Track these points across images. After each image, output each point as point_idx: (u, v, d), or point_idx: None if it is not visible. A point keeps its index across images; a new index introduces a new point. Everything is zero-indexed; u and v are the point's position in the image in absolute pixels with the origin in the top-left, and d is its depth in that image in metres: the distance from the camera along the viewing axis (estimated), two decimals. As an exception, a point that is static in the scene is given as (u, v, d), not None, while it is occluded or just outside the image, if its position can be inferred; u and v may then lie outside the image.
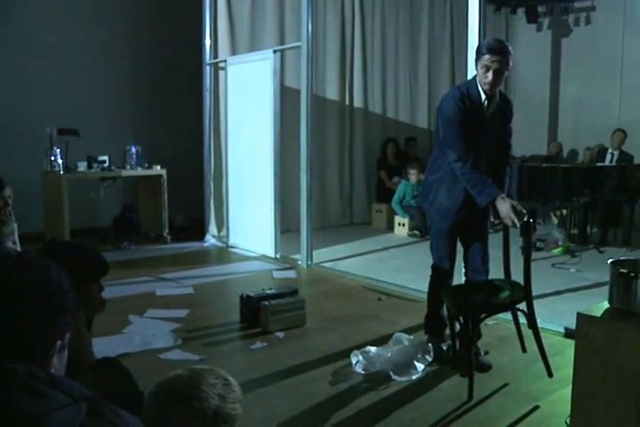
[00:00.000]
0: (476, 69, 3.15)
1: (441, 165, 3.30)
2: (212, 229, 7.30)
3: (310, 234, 5.91)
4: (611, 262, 2.17)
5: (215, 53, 7.09)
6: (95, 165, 6.67)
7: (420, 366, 3.22)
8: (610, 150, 7.56)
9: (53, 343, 1.09)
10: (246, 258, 6.33)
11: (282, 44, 7.15)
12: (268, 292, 4.17)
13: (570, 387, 2.21)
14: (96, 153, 6.71)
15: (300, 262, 5.93)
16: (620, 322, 2.06)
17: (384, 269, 5.59)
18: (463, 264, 3.47)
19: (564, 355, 3.38)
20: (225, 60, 6.91)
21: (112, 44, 7.56)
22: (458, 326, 3.24)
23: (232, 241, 6.89)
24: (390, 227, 7.89)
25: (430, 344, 3.39)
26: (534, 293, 3.24)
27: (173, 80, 7.83)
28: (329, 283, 5.29)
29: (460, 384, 3.08)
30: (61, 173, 6.31)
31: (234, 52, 7.04)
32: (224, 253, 6.67)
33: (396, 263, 5.94)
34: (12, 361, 1.01)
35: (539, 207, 7.36)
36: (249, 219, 6.60)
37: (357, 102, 8.41)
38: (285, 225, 6.74)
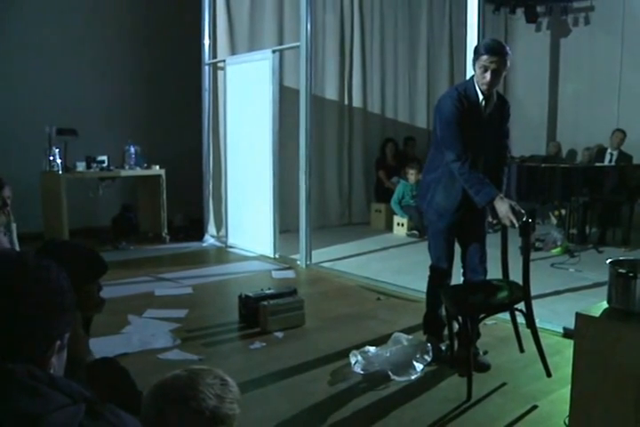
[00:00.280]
0: (474, 70, 3.16)
1: (438, 164, 3.30)
2: (211, 229, 7.30)
3: (309, 234, 5.91)
4: (610, 262, 2.17)
5: (214, 53, 7.09)
6: (94, 164, 6.67)
7: (418, 366, 3.22)
8: (609, 150, 7.57)
9: (52, 343, 1.09)
10: (245, 258, 6.33)
11: (281, 43, 7.15)
12: (267, 292, 4.17)
13: (568, 387, 2.21)
14: (95, 153, 6.71)
15: (298, 262, 5.93)
16: (618, 322, 2.06)
17: (383, 269, 5.60)
18: (461, 264, 3.48)
19: (563, 355, 3.38)
20: (224, 60, 6.91)
21: (111, 43, 7.56)
22: (456, 326, 3.24)
23: (231, 241, 6.89)
24: (389, 227, 7.90)
25: (429, 344, 3.39)
26: (533, 293, 3.24)
27: (172, 80, 7.82)
28: (328, 283, 5.29)
29: (458, 384, 3.09)
30: (60, 172, 6.31)
31: (233, 51, 7.04)
32: (223, 253, 6.67)
33: (395, 263, 5.94)
34: (12, 361, 1.01)
35: (538, 207, 7.36)
36: (248, 219, 6.60)
37: (356, 102, 8.41)
38: (284, 225, 6.73)
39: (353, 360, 3.31)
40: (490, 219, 3.18)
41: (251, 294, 4.10)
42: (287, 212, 6.86)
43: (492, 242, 3.48)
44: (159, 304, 4.56)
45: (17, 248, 4.00)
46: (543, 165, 6.86)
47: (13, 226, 4.05)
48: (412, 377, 3.17)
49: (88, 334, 2.28)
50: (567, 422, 2.24)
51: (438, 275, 3.43)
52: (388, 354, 3.29)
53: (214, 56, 7.09)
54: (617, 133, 7.46)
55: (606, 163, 7.44)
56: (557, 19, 9.24)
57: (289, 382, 3.19)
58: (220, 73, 7.07)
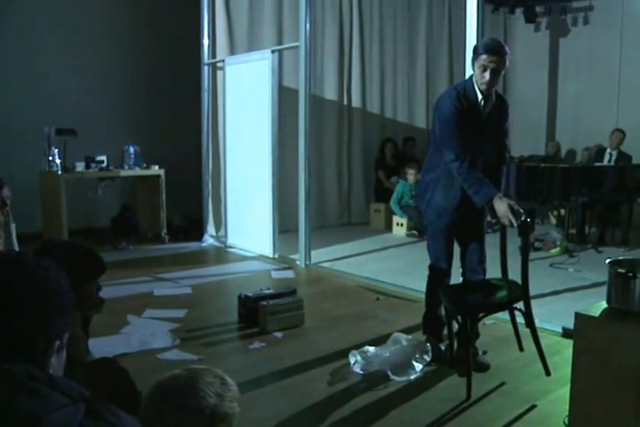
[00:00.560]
0: (473, 69, 3.16)
1: (437, 164, 3.30)
2: (211, 229, 7.30)
3: (308, 234, 5.91)
4: (609, 262, 2.17)
5: (213, 53, 7.09)
6: (93, 165, 6.67)
7: (418, 366, 3.22)
8: (608, 150, 7.57)
9: (52, 344, 1.09)
10: (244, 258, 6.33)
11: (280, 43, 7.15)
12: (267, 292, 4.17)
13: (568, 387, 2.21)
14: (94, 153, 6.71)
15: (298, 262, 5.93)
16: (618, 322, 2.06)
17: (382, 269, 5.60)
18: (460, 264, 3.48)
19: (562, 355, 3.38)
20: (223, 60, 6.91)
21: (110, 43, 7.56)
22: (456, 326, 3.24)
23: (230, 241, 6.89)
24: (388, 227, 7.90)
25: (428, 344, 3.39)
26: (532, 293, 3.24)
27: (171, 80, 7.82)
28: (327, 283, 5.29)
29: (458, 384, 3.09)
30: (59, 173, 6.30)
31: (232, 51, 7.04)
32: (222, 254, 6.67)
33: (395, 263, 5.94)
34: (11, 361, 1.01)
35: (537, 207, 7.37)
36: (247, 219, 6.60)
37: (355, 102, 8.41)
38: (284, 225, 6.73)
39: (352, 360, 3.31)
40: (489, 218, 3.18)
41: (250, 294, 4.10)
42: (286, 212, 6.86)
43: (492, 242, 3.48)
44: (158, 304, 4.56)
45: (16, 248, 4.00)
46: (542, 164, 6.86)
47: (12, 226, 4.04)
48: (412, 377, 3.17)
49: (87, 335, 2.28)
50: (567, 421, 2.24)
51: (437, 275, 3.43)
52: (387, 354, 3.29)
53: (213, 56, 7.09)
54: (616, 133, 7.46)
55: (605, 163, 7.44)
56: (556, 18, 9.24)
57: (288, 381, 3.19)
58: (219, 73, 7.07)
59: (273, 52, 6.18)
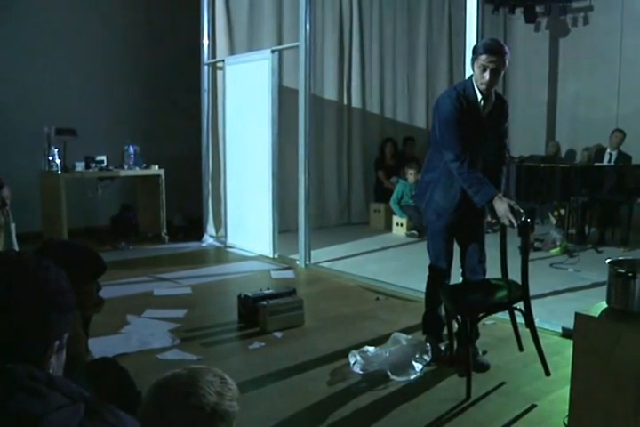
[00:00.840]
0: (473, 69, 3.16)
1: (437, 164, 3.31)
2: (210, 229, 7.30)
3: (308, 234, 5.90)
4: (609, 262, 2.17)
5: (213, 53, 7.08)
6: (93, 164, 6.67)
7: (418, 366, 3.22)
8: (608, 150, 7.57)
9: (52, 344, 1.09)
10: (244, 258, 6.33)
11: (280, 43, 7.15)
12: (266, 292, 4.17)
13: (568, 387, 2.21)
14: (94, 153, 6.71)
15: (298, 262, 5.93)
16: (618, 322, 2.06)
17: (382, 269, 5.59)
18: (460, 264, 3.48)
19: (562, 355, 3.38)
20: (223, 60, 6.91)
21: (110, 43, 7.56)
22: (456, 326, 3.24)
23: (230, 241, 6.89)
24: (388, 227, 7.90)
25: (428, 344, 3.39)
26: (532, 293, 3.24)
27: (171, 80, 7.82)
28: (327, 283, 5.29)
29: (458, 384, 3.09)
30: (59, 172, 6.30)
31: (232, 51, 7.04)
32: (222, 254, 6.67)
33: (394, 263, 5.94)
34: (11, 361, 1.01)
35: (537, 207, 7.37)
36: (247, 219, 6.60)
37: (355, 102, 8.41)
38: (283, 225, 6.74)
39: (352, 360, 3.31)
40: (489, 218, 3.18)
41: (250, 294, 4.10)
42: (286, 212, 6.87)
43: (492, 242, 3.48)
44: (158, 304, 4.56)
45: (16, 248, 4.01)
46: (542, 164, 6.86)
47: (12, 226, 4.05)
48: (412, 377, 3.17)
49: (87, 334, 2.28)
50: (566, 421, 2.24)
51: (437, 275, 3.43)
52: (387, 354, 3.29)
53: (213, 56, 7.09)
54: (616, 133, 7.46)
55: (605, 163, 7.44)
56: (556, 19, 9.25)
57: (288, 382, 3.19)
58: (219, 73, 7.07)
59: (273, 52, 6.18)
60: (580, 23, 9.05)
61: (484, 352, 3.46)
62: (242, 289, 4.35)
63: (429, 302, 3.53)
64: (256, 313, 3.98)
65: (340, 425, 2.72)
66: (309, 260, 5.91)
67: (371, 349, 3.40)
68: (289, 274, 5.60)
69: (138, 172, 7.02)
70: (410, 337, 3.48)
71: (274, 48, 6.35)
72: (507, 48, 3.13)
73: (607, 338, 2.04)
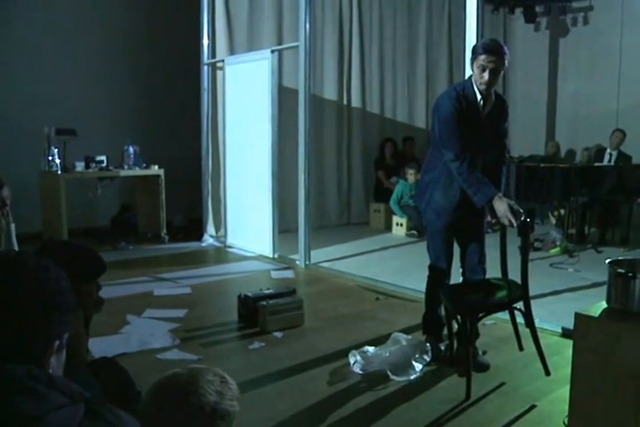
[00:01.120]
0: (472, 69, 3.16)
1: (437, 164, 3.31)
2: (210, 229, 7.29)
3: (308, 234, 5.90)
4: (609, 262, 2.17)
5: (213, 53, 7.08)
6: (93, 164, 6.67)
7: (417, 366, 3.22)
8: (608, 150, 7.57)
9: (52, 344, 1.09)
10: (244, 258, 6.33)
11: (280, 43, 7.15)
12: (266, 292, 4.17)
13: (568, 387, 2.21)
14: (94, 153, 6.71)
15: (297, 262, 5.93)
16: (617, 322, 2.06)
17: (382, 269, 5.59)
18: (460, 264, 3.48)
19: (562, 355, 3.38)
20: (223, 60, 6.90)
21: (110, 43, 7.56)
22: (456, 326, 3.24)
23: (230, 241, 6.89)
24: (388, 227, 7.90)
25: (428, 344, 3.39)
26: (532, 293, 3.24)
27: (171, 80, 7.82)
28: (327, 283, 5.29)
29: (458, 384, 3.09)
30: (59, 172, 6.30)
31: (232, 51, 7.03)
32: (222, 253, 6.67)
33: (394, 263, 5.94)
34: (11, 361, 1.01)
35: (537, 207, 7.37)
36: (247, 219, 6.60)
37: (355, 102, 8.41)
38: (283, 225, 6.73)
39: (352, 360, 3.31)
40: (489, 218, 3.18)
41: (250, 294, 4.10)
42: (286, 212, 6.86)
43: (492, 242, 3.48)
44: (158, 304, 4.56)
45: (16, 248, 4.01)
46: (542, 165, 6.86)
47: (12, 226, 4.05)
48: (411, 377, 3.17)
49: (87, 334, 2.29)
50: (566, 421, 2.24)
51: (437, 275, 3.43)
52: (387, 354, 3.29)
53: (213, 56, 7.08)
54: (617, 133, 7.46)
55: (605, 163, 7.44)
56: (556, 19, 9.24)
57: (288, 382, 3.19)
58: (219, 73, 7.07)
59: (273, 52, 6.18)
60: (579, 23, 9.05)
61: (484, 352, 3.46)
62: (242, 289, 4.35)
63: (429, 302, 3.53)
64: (256, 313, 3.98)
65: (339, 425, 2.72)
66: (309, 260, 5.91)
67: (371, 349, 3.40)
68: (289, 274, 5.60)
69: (138, 172, 7.02)
70: (410, 337, 3.48)
71: (274, 48, 6.35)
72: (506, 48, 3.13)
73: (607, 338, 2.04)
